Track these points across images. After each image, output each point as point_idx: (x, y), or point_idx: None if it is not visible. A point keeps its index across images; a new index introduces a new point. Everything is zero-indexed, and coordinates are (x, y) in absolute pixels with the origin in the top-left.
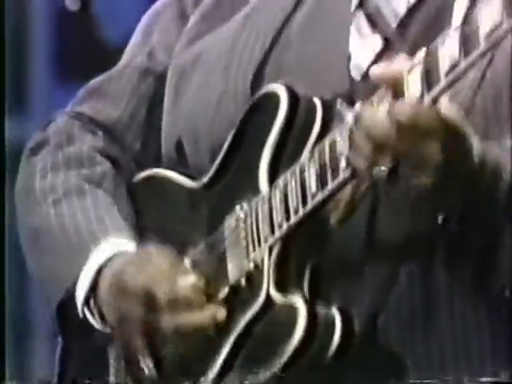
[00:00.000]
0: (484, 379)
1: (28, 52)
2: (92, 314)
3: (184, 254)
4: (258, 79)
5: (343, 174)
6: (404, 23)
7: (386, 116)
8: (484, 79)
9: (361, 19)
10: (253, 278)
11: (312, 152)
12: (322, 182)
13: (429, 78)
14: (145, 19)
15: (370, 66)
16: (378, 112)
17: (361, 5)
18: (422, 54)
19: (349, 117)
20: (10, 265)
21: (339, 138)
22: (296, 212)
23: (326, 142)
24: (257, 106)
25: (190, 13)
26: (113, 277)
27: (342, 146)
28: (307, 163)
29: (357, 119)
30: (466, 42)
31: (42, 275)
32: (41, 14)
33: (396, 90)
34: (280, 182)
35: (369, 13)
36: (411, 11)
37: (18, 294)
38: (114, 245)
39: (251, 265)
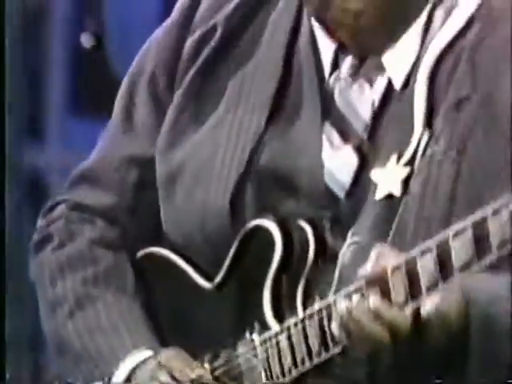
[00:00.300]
0: None
1: (46, 85)
2: None
3: (200, 353)
4: (239, 192)
5: (335, 348)
6: (372, 130)
7: (373, 317)
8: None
9: (330, 130)
10: None
11: (311, 315)
12: (324, 345)
13: (411, 288)
14: (121, 96)
15: (351, 185)
16: (368, 311)
17: (327, 114)
18: (402, 258)
19: (342, 305)
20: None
21: (334, 321)
22: (303, 363)
23: (324, 312)
24: (250, 237)
25: (164, 100)
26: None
27: (335, 327)
28: (308, 324)
29: (348, 311)
30: (442, 264)
31: (65, 372)
32: (57, 51)
33: (381, 286)
34: (284, 329)
35: (336, 122)
36: (377, 117)
37: (18, 300)
38: (139, 356)
39: None
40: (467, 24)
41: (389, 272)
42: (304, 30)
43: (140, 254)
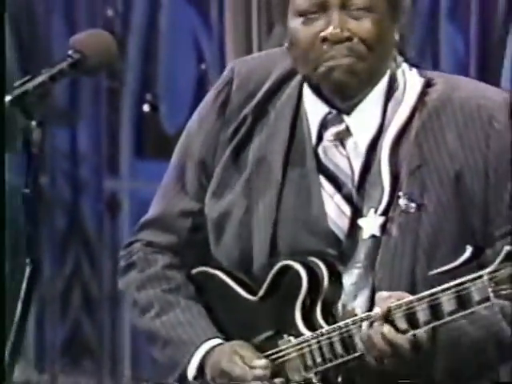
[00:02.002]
0: None
1: (120, 136)
2: (202, 379)
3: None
4: (273, 241)
5: (354, 353)
6: (358, 183)
7: (384, 340)
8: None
9: (325, 183)
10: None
11: (334, 329)
12: (346, 348)
13: (409, 321)
14: (174, 164)
15: (349, 229)
16: (381, 336)
17: (320, 170)
18: (401, 300)
19: (364, 327)
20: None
21: (358, 337)
22: (330, 361)
23: (344, 330)
24: (283, 270)
25: (209, 171)
26: (214, 367)
27: (358, 342)
28: (334, 336)
29: (369, 335)
30: (434, 310)
31: (160, 359)
32: (128, 113)
33: (388, 320)
34: (314, 336)
35: (328, 174)
36: (361, 172)
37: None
38: (209, 344)
39: (302, 379)
40: (411, 114)
41: (392, 310)
42: (302, 111)
43: (194, 271)
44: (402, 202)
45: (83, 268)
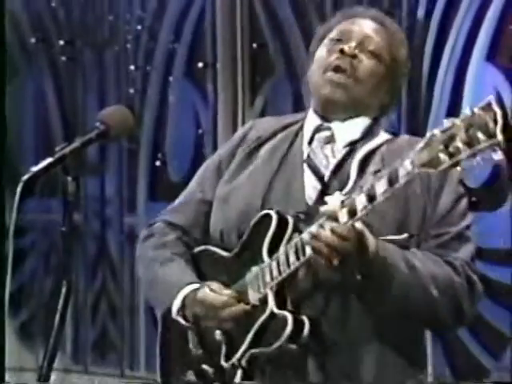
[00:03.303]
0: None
1: (138, 183)
2: (182, 317)
3: (227, 286)
4: (262, 205)
5: (306, 257)
6: (332, 172)
7: (331, 233)
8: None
9: (308, 169)
10: (262, 302)
11: (289, 244)
12: (297, 256)
13: (350, 212)
14: (200, 170)
15: (317, 198)
16: (328, 231)
17: (307, 159)
18: (344, 197)
19: (314, 228)
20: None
21: (305, 240)
22: (284, 272)
23: (298, 240)
24: (262, 217)
25: (224, 169)
26: (193, 302)
27: (308, 247)
28: (281, 256)
29: (317, 234)
30: (371, 194)
31: (152, 299)
32: (144, 168)
33: (334, 216)
34: (274, 258)
35: (311, 164)
36: (334, 169)
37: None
38: (190, 287)
39: (261, 295)
40: (381, 144)
41: (338, 208)
42: (302, 131)
43: (196, 249)
44: (360, 191)
45: (108, 285)
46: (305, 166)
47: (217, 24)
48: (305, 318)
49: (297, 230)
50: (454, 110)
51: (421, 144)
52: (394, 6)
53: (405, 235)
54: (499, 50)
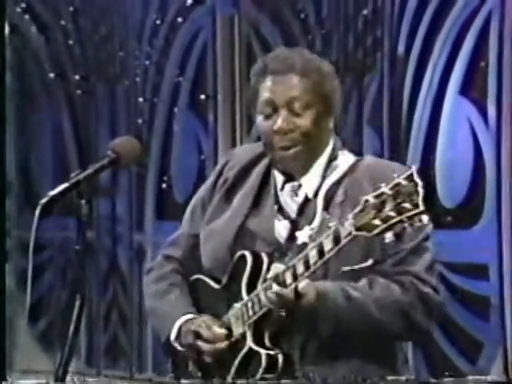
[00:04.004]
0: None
1: (145, 206)
2: (179, 344)
3: (219, 317)
4: (235, 244)
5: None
6: (299, 209)
7: (275, 294)
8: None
9: (278, 211)
10: (241, 336)
11: (257, 293)
12: (259, 306)
13: (295, 274)
14: (189, 207)
15: (288, 235)
16: (276, 293)
17: (278, 203)
18: (290, 262)
19: (261, 288)
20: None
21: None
22: (256, 313)
23: (261, 291)
24: (240, 257)
25: (207, 205)
26: (187, 332)
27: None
28: (254, 298)
29: (267, 295)
30: (306, 266)
31: (155, 328)
32: (151, 191)
33: (279, 279)
34: (250, 297)
35: (281, 207)
36: (301, 209)
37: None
38: (185, 318)
39: (242, 331)
40: (343, 175)
41: (280, 274)
42: (271, 172)
43: (191, 278)
44: (327, 221)
45: (119, 296)
46: (275, 207)
47: (217, 60)
48: (279, 354)
49: (271, 265)
50: (431, 138)
51: (357, 209)
52: (376, 43)
53: (370, 262)
54: (472, 84)
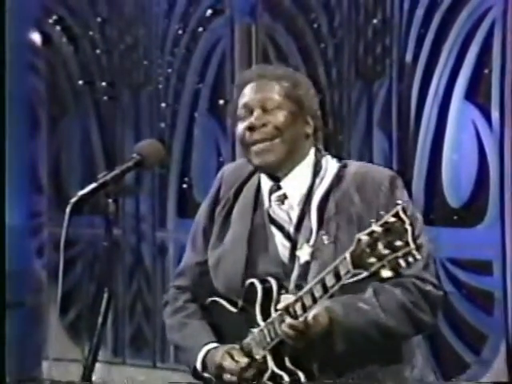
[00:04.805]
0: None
1: (168, 204)
2: (207, 372)
3: (237, 342)
4: (246, 270)
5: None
6: (296, 228)
7: (287, 325)
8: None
9: (274, 228)
10: (263, 361)
11: (271, 320)
12: (275, 334)
13: (304, 306)
14: (191, 235)
15: (290, 255)
16: (289, 325)
17: (271, 220)
18: (297, 294)
19: (275, 317)
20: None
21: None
22: (272, 341)
23: (276, 321)
24: (250, 285)
25: (208, 231)
26: (212, 363)
27: (277, 327)
28: (270, 326)
29: (280, 325)
30: (313, 298)
31: (181, 362)
32: (172, 188)
33: (289, 311)
34: (265, 326)
35: (275, 223)
36: (296, 225)
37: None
38: (207, 348)
39: (263, 355)
40: (331, 184)
41: (290, 305)
42: (261, 187)
43: (207, 301)
44: (324, 237)
45: (143, 290)
46: (270, 224)
47: (235, 68)
48: (300, 374)
49: (282, 288)
50: (437, 140)
51: (351, 248)
52: (385, 51)
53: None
54: (476, 90)
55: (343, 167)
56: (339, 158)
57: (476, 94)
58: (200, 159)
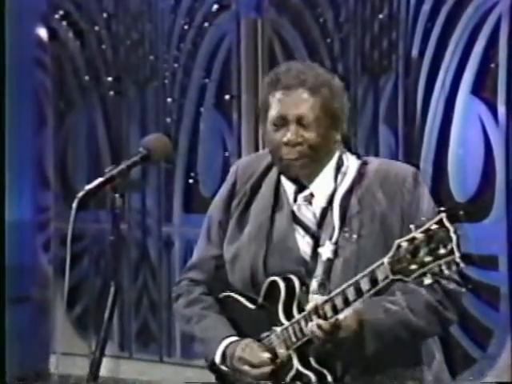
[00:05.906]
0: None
1: (175, 201)
2: (225, 365)
3: (256, 338)
4: (265, 266)
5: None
6: (318, 226)
7: (316, 326)
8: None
9: (297, 226)
10: (289, 359)
11: (297, 320)
12: (301, 333)
13: (335, 308)
14: (204, 227)
15: (312, 252)
16: (317, 325)
17: (295, 217)
18: (328, 296)
19: (301, 317)
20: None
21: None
22: (298, 340)
23: (302, 320)
24: (272, 282)
25: (225, 225)
26: (232, 356)
27: (305, 329)
28: (295, 325)
29: (308, 325)
30: (345, 301)
31: (199, 351)
32: (178, 183)
33: (318, 312)
34: (290, 325)
35: (299, 221)
36: (319, 220)
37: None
38: (227, 341)
39: (287, 353)
40: (353, 182)
41: (319, 306)
42: (281, 184)
43: (220, 295)
44: (347, 235)
45: (149, 284)
46: (294, 223)
47: (241, 63)
48: (327, 373)
49: (303, 285)
50: (443, 135)
51: (390, 253)
52: (392, 46)
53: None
54: (483, 84)
55: (364, 164)
56: (357, 154)
57: (482, 88)
58: (206, 154)
